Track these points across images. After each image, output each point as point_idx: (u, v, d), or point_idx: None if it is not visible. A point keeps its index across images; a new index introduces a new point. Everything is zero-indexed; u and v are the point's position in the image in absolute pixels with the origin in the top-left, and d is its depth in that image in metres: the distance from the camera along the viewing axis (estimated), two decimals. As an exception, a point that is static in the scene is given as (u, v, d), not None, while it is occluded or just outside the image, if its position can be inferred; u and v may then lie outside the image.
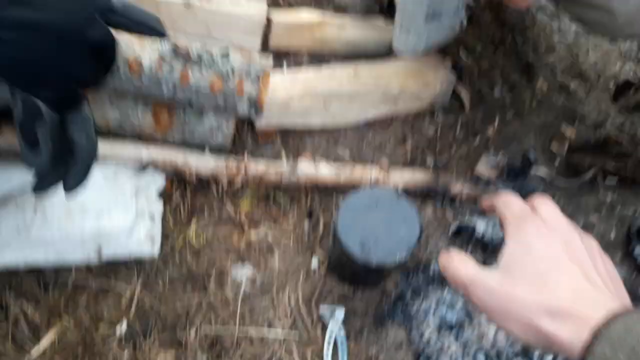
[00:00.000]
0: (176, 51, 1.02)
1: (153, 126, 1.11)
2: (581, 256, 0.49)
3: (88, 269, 1.04)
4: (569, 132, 1.44)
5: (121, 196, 1.05)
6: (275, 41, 1.31)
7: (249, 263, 1.10)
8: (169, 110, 1.06)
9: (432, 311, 1.12)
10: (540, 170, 1.36)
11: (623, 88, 1.58)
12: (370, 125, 1.34)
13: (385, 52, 1.43)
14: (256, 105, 1.08)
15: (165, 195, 1.11)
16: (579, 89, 1.54)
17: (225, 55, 1.05)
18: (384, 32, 1.40)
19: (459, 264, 0.54)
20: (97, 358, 0.96)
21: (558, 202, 1.36)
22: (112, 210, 1.04)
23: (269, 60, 1.10)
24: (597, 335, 0.41)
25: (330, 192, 1.20)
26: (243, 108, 1.08)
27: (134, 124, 1.11)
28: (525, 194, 1.28)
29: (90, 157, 0.62)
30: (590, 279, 0.47)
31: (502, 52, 1.55)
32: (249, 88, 1.05)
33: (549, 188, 1.33)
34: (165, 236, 1.08)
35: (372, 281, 1.10)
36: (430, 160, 1.32)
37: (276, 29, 1.31)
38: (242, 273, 1.08)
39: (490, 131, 1.41)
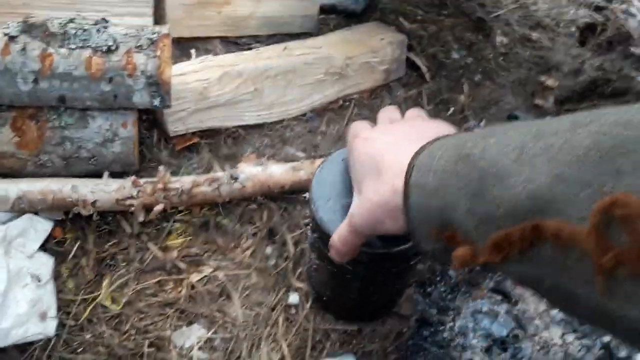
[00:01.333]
0: (29, 25, 0.67)
1: (15, 144, 0.74)
2: (401, 132, 0.54)
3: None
4: (550, 81, 1.20)
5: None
6: (174, 27, 0.98)
7: (198, 321, 0.73)
8: (35, 118, 0.70)
9: (471, 329, 0.79)
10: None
11: (587, 30, 1.40)
12: (320, 113, 1.03)
13: (315, 29, 1.14)
14: (158, 86, 0.74)
15: (54, 247, 0.73)
16: (542, 38, 1.32)
17: (102, 23, 0.71)
18: (310, 2, 1.11)
19: (334, 242, 0.57)
20: None
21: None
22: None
23: (164, 28, 0.77)
24: (410, 169, 0.45)
25: (291, 200, 0.86)
26: (141, 95, 0.74)
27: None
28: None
29: None
30: (411, 143, 0.48)
31: (446, 13, 1.30)
32: (142, 61, 0.72)
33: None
34: (64, 305, 0.70)
35: (385, 300, 0.75)
36: (403, 142, 1.00)
37: (172, 11, 0.99)
38: (191, 337, 0.71)
39: (462, 99, 1.14)
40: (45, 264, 0.72)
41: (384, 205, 0.48)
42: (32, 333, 0.66)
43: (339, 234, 0.56)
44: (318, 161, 0.88)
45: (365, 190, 0.51)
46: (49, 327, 0.68)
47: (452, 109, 1.12)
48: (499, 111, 1.15)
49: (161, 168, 0.81)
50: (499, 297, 0.84)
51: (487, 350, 0.78)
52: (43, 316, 0.67)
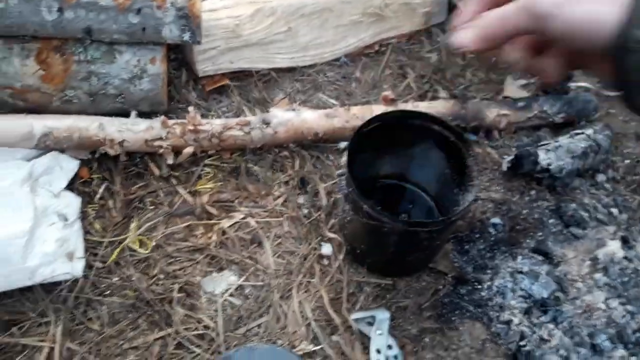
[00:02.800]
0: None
1: (40, 78, 0.70)
2: None
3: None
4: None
5: (6, 191, 0.63)
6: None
7: (229, 268, 0.70)
8: (60, 51, 0.66)
9: (510, 289, 0.75)
10: (580, 81, 1.03)
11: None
12: (356, 57, 0.98)
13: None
14: (188, 19, 0.70)
15: (80, 187, 0.70)
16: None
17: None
18: None
19: (486, 18, 0.45)
20: None
21: (619, 115, 1.04)
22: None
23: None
24: None
25: (323, 149, 0.83)
26: (170, 28, 0.70)
27: (10, 79, 0.70)
28: (579, 110, 0.95)
29: None
30: None
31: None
32: (174, -9, 0.67)
33: (600, 100, 0.99)
34: (91, 246, 0.67)
35: (421, 256, 0.72)
36: (443, 93, 0.95)
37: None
38: (222, 284, 0.68)
39: (507, 47, 1.06)
40: (72, 203, 0.69)
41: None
42: (59, 272, 0.64)
43: (503, 10, 0.44)
44: (353, 109, 0.83)
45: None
46: (77, 268, 0.65)
47: (493, 60, 1.05)
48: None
49: (191, 109, 0.77)
50: (540, 258, 0.80)
51: (527, 312, 0.74)
52: (70, 256, 0.65)
